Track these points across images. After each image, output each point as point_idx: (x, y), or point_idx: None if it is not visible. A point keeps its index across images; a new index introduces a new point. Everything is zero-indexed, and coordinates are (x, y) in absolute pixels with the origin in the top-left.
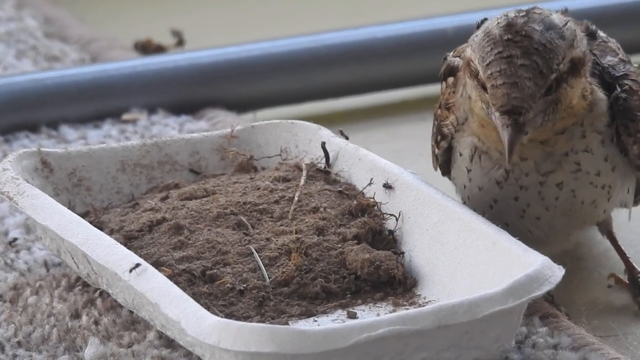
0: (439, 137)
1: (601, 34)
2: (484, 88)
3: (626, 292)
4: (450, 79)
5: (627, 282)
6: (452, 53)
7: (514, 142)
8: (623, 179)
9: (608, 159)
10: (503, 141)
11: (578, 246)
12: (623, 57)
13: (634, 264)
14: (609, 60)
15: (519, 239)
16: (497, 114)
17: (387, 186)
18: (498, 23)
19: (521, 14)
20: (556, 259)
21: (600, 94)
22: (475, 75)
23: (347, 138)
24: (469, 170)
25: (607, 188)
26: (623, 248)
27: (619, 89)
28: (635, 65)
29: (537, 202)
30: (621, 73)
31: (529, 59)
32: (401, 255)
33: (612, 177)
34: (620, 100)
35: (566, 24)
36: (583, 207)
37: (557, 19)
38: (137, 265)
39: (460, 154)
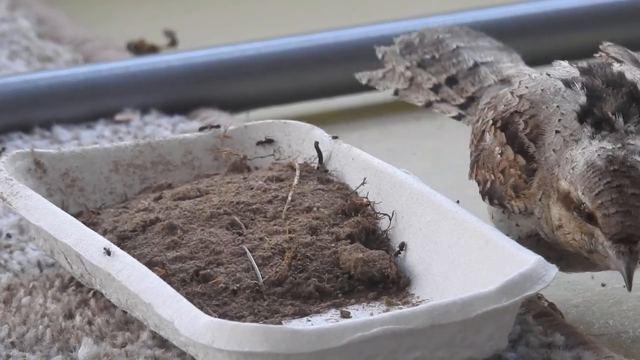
0: (496, 202)
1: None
2: (590, 219)
3: (619, 290)
4: (522, 160)
5: None
6: (522, 125)
7: (632, 270)
8: None
9: None
10: (619, 270)
11: None
12: None
13: None
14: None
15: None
16: (609, 242)
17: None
18: (599, 155)
19: (618, 146)
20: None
21: None
22: (577, 206)
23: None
24: (520, 238)
25: None
26: None
27: None
28: None
29: (578, 267)
30: None
31: (639, 189)
32: (399, 252)
33: None
34: None
35: None
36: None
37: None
38: (108, 249)
39: (517, 225)
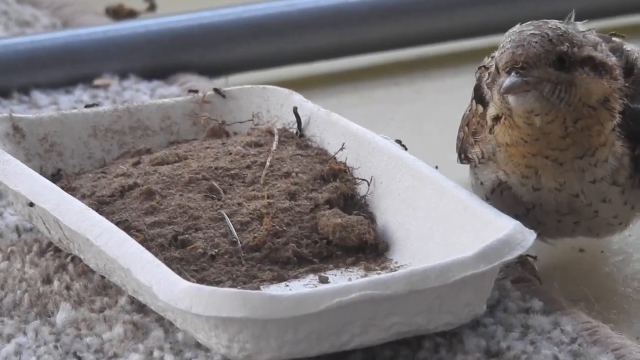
0: (462, 155)
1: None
2: (498, 71)
3: (597, 257)
4: (480, 108)
5: None
6: (485, 77)
7: (513, 85)
8: None
9: (628, 203)
10: (501, 85)
11: None
12: None
13: None
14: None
15: None
16: (504, 76)
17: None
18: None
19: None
20: None
21: (622, 147)
22: (494, 72)
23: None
24: (487, 198)
25: (625, 221)
26: None
27: None
28: None
29: (553, 231)
30: None
31: (539, 30)
32: (375, 220)
33: (632, 213)
34: None
35: (591, 34)
36: (599, 235)
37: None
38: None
39: (482, 183)
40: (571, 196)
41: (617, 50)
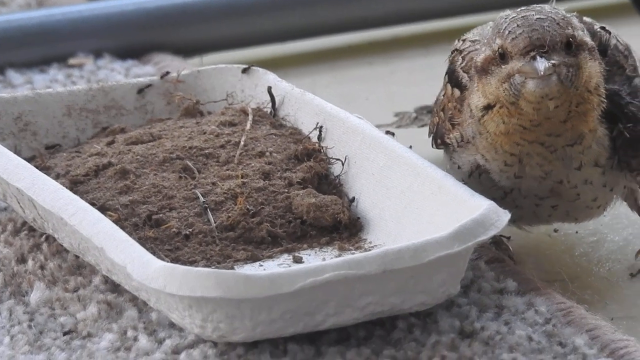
0: (439, 141)
1: (614, 40)
2: (503, 57)
3: (571, 237)
4: (457, 92)
5: None
6: (460, 61)
7: (546, 69)
8: (621, 191)
9: (607, 185)
10: (534, 70)
11: None
12: (630, 70)
13: None
14: (616, 82)
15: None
16: (521, 61)
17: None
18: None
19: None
20: None
21: (603, 129)
22: (492, 58)
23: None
24: (465, 182)
25: (604, 205)
26: None
27: (622, 124)
28: None
29: (530, 216)
30: (625, 100)
31: (544, 15)
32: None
33: (610, 195)
34: (621, 137)
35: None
36: (577, 220)
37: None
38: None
39: (459, 167)
40: (555, 183)
41: (590, 32)
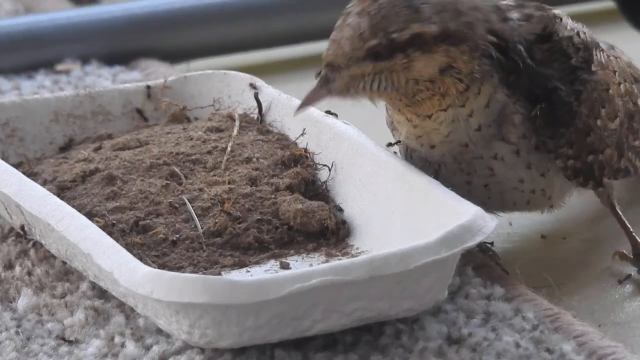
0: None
1: (566, 32)
2: None
3: (559, 242)
4: None
5: (632, 257)
6: None
7: (313, 95)
8: (565, 180)
9: (533, 167)
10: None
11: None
12: (578, 61)
13: (638, 239)
14: (553, 68)
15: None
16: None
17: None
18: None
19: None
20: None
21: (514, 106)
22: None
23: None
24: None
25: (539, 191)
26: (627, 224)
27: (539, 105)
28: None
29: (471, 196)
30: (553, 85)
31: (357, 19)
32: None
33: (545, 181)
34: (538, 117)
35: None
36: (517, 206)
37: None
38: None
39: (396, 153)
40: (461, 146)
41: (541, 20)
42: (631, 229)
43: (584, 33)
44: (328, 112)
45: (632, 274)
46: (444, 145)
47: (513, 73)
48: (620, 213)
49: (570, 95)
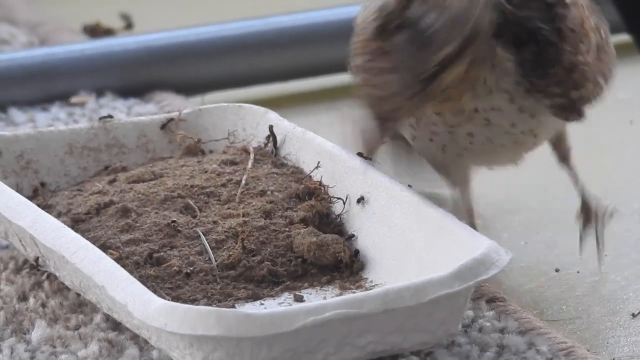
0: None
1: None
2: None
3: (573, 276)
4: None
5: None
6: None
7: (373, 141)
8: (549, 117)
9: (524, 110)
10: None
11: (525, 230)
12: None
13: (586, 192)
14: (531, 9)
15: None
16: None
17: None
18: (372, 17)
19: (399, 7)
20: (503, 242)
21: (505, 53)
22: None
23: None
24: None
25: (528, 132)
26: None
27: (527, 48)
28: None
29: (451, 145)
30: (536, 25)
31: (397, 74)
32: (352, 239)
33: (533, 122)
34: (528, 60)
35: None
36: (505, 147)
37: (433, 12)
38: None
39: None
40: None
41: None
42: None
43: None
44: (360, 154)
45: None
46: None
47: (498, 21)
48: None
49: (553, 34)
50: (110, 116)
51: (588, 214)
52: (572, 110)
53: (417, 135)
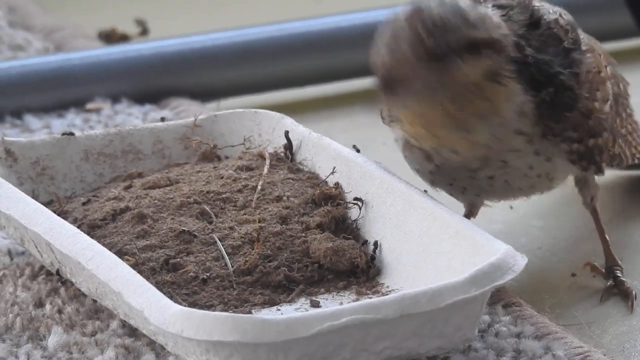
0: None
1: (551, 16)
2: None
3: (589, 281)
4: None
5: (604, 271)
6: None
7: (387, 103)
8: (566, 163)
9: (541, 153)
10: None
11: (541, 235)
12: (569, 43)
13: (614, 255)
14: (549, 53)
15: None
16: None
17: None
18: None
19: None
20: (519, 247)
21: (523, 95)
22: None
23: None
24: (405, 155)
25: (544, 175)
26: (605, 234)
27: (545, 90)
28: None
29: (471, 187)
30: (555, 70)
31: (411, 30)
32: (369, 245)
33: (549, 165)
34: (545, 102)
35: (475, 7)
36: (522, 190)
37: (468, 3)
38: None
39: (396, 140)
40: (486, 148)
41: (523, 7)
42: (608, 239)
43: (565, 13)
44: (354, 147)
45: (609, 283)
46: (471, 149)
47: (517, 63)
48: (600, 220)
49: (571, 79)
50: (72, 133)
51: (622, 291)
52: (589, 160)
53: (435, 180)
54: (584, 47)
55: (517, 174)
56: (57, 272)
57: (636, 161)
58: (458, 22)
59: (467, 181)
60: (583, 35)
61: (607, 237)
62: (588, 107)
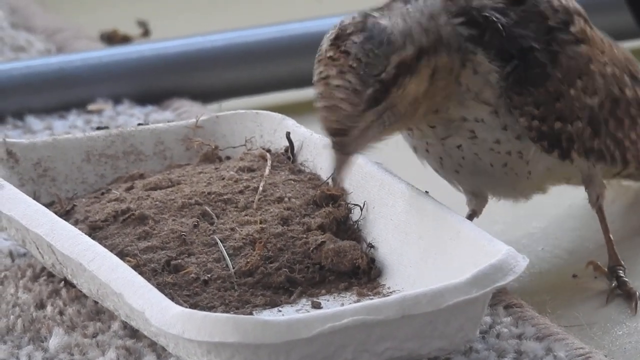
0: None
1: None
2: None
3: (591, 282)
4: None
5: (606, 270)
6: None
7: (340, 164)
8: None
9: (508, 128)
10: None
11: (542, 236)
12: (556, 22)
13: (618, 255)
14: (530, 28)
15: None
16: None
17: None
18: (330, 34)
19: (355, 21)
20: (520, 248)
21: (490, 65)
22: None
23: None
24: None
25: (516, 154)
26: (610, 233)
27: (512, 63)
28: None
29: (447, 159)
30: (529, 45)
31: (342, 79)
32: (371, 248)
33: (519, 144)
34: (510, 75)
35: (399, 23)
36: (495, 169)
37: (390, 20)
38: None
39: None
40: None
41: None
42: (613, 240)
43: (573, 2)
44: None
45: (613, 284)
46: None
47: (487, 32)
48: (606, 219)
49: (545, 57)
50: (107, 127)
51: (625, 292)
52: (554, 143)
53: (416, 146)
54: (573, 29)
55: (485, 146)
56: (65, 279)
57: None
58: (385, 53)
59: (439, 148)
60: (592, 31)
61: (611, 236)
62: (559, 90)
